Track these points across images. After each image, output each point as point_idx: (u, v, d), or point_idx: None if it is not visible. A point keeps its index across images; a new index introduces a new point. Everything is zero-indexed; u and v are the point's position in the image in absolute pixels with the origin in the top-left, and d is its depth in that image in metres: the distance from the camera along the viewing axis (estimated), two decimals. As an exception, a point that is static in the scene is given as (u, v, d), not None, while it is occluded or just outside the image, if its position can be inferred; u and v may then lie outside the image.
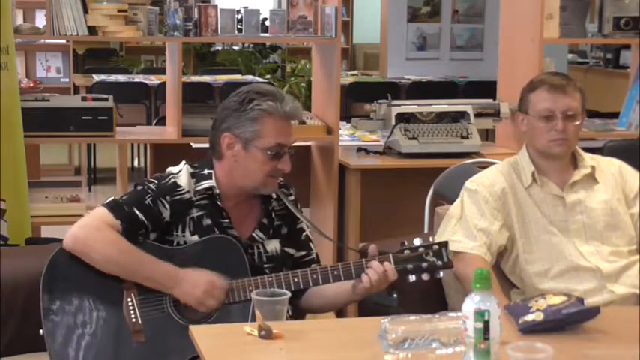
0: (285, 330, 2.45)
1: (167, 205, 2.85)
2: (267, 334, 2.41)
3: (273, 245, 2.95)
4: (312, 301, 2.93)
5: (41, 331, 2.78)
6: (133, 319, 2.77)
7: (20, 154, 4.42)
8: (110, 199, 2.89)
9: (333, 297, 2.90)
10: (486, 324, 2.12)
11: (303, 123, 4.90)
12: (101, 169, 8.38)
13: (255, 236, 2.93)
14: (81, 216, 2.92)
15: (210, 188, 2.89)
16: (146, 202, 2.83)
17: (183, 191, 2.87)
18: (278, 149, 2.86)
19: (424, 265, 2.78)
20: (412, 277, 2.78)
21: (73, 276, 2.80)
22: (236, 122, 2.86)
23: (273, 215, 2.97)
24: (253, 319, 2.48)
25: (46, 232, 4.87)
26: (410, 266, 2.78)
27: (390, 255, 2.79)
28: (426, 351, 2.30)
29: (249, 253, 2.89)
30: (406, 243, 2.81)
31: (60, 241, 2.96)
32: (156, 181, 2.88)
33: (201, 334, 2.48)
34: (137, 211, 2.82)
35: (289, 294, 2.58)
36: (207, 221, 2.88)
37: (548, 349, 2.08)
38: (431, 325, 2.33)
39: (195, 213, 2.88)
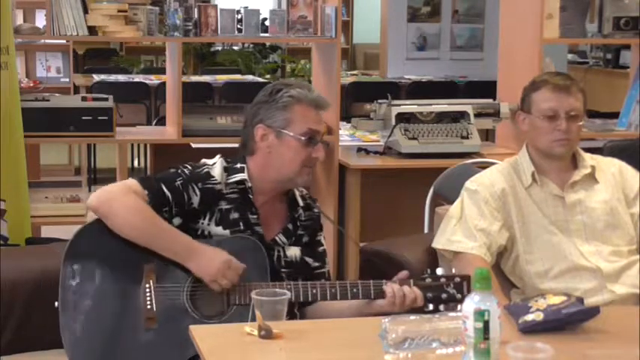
0: (285, 330, 2.45)
1: (198, 192, 2.86)
2: (267, 334, 2.41)
3: (294, 252, 2.96)
4: (318, 312, 2.92)
5: (56, 303, 2.78)
6: (148, 306, 2.78)
7: (20, 154, 4.42)
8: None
9: (343, 309, 2.88)
10: (486, 324, 2.12)
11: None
12: (101, 169, 8.38)
13: (278, 240, 2.94)
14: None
15: (242, 181, 2.90)
16: (176, 183, 2.85)
17: (215, 181, 2.88)
18: (311, 135, 2.88)
19: (444, 296, 2.76)
20: (430, 307, 2.75)
21: (97, 251, 2.81)
22: (267, 113, 2.89)
23: (298, 223, 2.99)
24: (253, 319, 2.48)
25: (46, 232, 4.87)
26: (430, 295, 2.76)
27: (411, 281, 2.78)
28: (426, 351, 2.30)
29: (269, 254, 2.89)
30: (428, 271, 2.79)
31: (60, 241, 2.96)
32: (190, 167, 2.90)
33: (201, 334, 2.48)
34: (165, 188, 2.83)
35: (289, 294, 2.58)
36: (235, 215, 2.88)
37: (548, 349, 2.08)
38: (431, 325, 2.33)
39: (225, 205, 2.88)
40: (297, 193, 3.01)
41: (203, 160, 2.96)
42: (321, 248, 3.04)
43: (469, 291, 2.75)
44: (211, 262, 2.77)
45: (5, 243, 4.26)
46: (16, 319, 3.02)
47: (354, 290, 2.79)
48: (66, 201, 4.70)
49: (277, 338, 2.41)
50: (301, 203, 3.00)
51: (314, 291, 2.79)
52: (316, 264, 3.01)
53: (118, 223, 2.78)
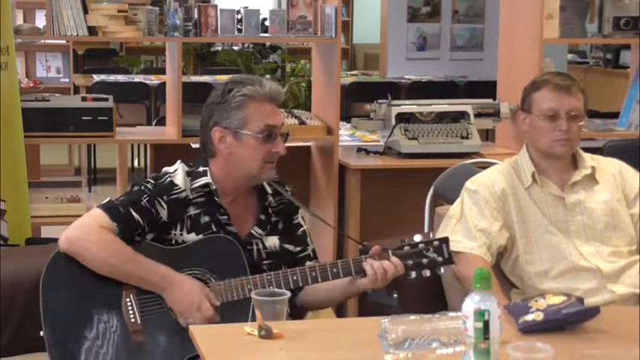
0: (285, 330, 2.45)
1: (164, 205, 2.85)
2: (267, 334, 2.41)
3: (272, 242, 2.95)
4: (306, 298, 2.93)
5: (41, 332, 2.78)
6: (132, 319, 2.77)
7: (20, 154, 4.42)
8: (106, 199, 2.89)
9: (329, 291, 2.89)
10: (486, 324, 2.12)
11: (303, 123, 4.91)
12: (101, 169, 8.39)
13: (254, 232, 2.93)
14: (81, 216, 2.92)
15: (207, 185, 2.89)
16: (142, 202, 2.84)
17: (179, 190, 2.87)
18: (268, 131, 2.86)
19: (424, 261, 2.77)
20: (413, 274, 2.78)
21: (73, 276, 2.80)
22: (222, 114, 2.88)
23: (270, 211, 2.98)
24: (253, 319, 2.48)
25: (46, 232, 4.87)
26: (410, 262, 2.77)
27: (390, 251, 2.78)
28: (426, 351, 2.30)
29: (247, 249, 2.89)
30: (406, 240, 2.80)
31: (60, 241, 2.96)
32: (152, 181, 2.89)
33: (201, 334, 2.48)
34: (133, 212, 2.82)
35: (289, 294, 2.58)
36: (205, 218, 2.88)
37: (548, 349, 2.08)
38: (431, 325, 2.33)
39: (193, 211, 2.88)
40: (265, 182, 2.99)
41: (164, 170, 2.94)
42: (301, 230, 3.03)
43: (449, 253, 2.76)
44: (185, 297, 2.76)
45: (5, 243, 4.26)
46: (16, 319, 3.02)
47: (334, 270, 2.79)
48: (66, 201, 4.70)
49: (277, 338, 2.41)
50: (269, 190, 2.98)
51: (294, 277, 2.78)
52: (298, 248, 3.00)
53: (90, 261, 2.78)
